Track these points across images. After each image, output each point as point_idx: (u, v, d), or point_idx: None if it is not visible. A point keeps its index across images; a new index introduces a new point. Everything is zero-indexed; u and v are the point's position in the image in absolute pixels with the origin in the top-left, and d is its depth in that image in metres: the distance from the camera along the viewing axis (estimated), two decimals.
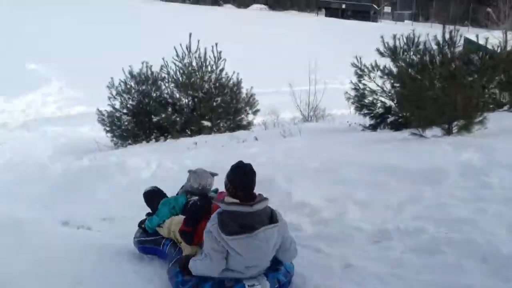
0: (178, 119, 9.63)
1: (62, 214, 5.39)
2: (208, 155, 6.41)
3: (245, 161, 3.03)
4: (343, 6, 55.47)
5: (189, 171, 3.77)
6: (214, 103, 9.81)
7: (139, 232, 3.77)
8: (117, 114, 9.95)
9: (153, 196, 3.93)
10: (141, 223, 3.82)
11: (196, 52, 9.88)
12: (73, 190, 6.57)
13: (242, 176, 2.88)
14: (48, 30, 28.40)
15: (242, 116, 10.44)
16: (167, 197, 3.86)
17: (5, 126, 11.77)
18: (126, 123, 9.97)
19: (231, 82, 10.19)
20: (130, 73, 9.99)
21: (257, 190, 2.92)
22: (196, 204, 3.33)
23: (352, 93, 8.90)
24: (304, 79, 12.40)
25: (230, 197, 2.87)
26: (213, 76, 10.04)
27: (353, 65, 8.81)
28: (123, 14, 41.69)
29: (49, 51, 21.97)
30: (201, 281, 2.84)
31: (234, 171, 2.93)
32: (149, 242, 3.63)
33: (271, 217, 2.86)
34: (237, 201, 2.82)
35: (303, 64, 13.08)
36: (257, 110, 10.45)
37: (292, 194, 4.59)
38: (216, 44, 9.91)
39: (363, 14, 53.06)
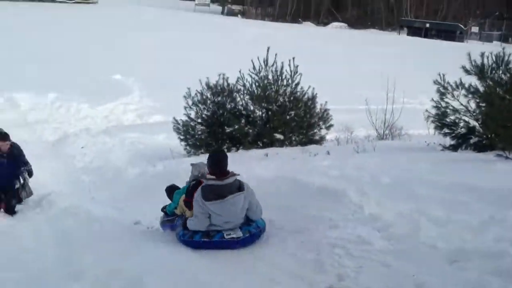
0: (250, 130, 9.62)
1: (135, 215, 5.63)
2: (279, 166, 6.33)
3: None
4: (427, 25, 53.84)
5: (191, 164, 5.16)
6: (288, 117, 9.71)
7: (163, 216, 5.05)
8: (192, 124, 10.13)
9: (171, 190, 5.13)
10: (163, 209, 5.11)
11: (273, 65, 9.88)
12: (145, 193, 6.81)
13: (215, 161, 4.24)
14: (136, 45, 30.12)
15: (315, 130, 10.24)
16: (179, 189, 5.02)
17: (88, 131, 12.41)
18: (199, 133, 10.12)
19: (305, 96, 10.06)
20: (207, 84, 10.16)
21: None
22: (193, 184, 4.55)
23: (433, 111, 8.40)
24: (381, 97, 11.99)
25: (209, 175, 4.20)
26: (288, 89, 9.96)
27: (436, 82, 8.34)
28: (203, 28, 43.32)
29: (133, 63, 23.24)
30: (194, 233, 4.16)
31: (210, 158, 4.37)
32: (168, 221, 4.90)
33: (239, 187, 4.15)
34: (214, 177, 4.12)
35: (381, 83, 12.72)
36: (331, 125, 10.21)
37: (363, 207, 4.47)
38: (293, 59, 9.86)
39: (448, 34, 51.12)
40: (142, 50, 28.17)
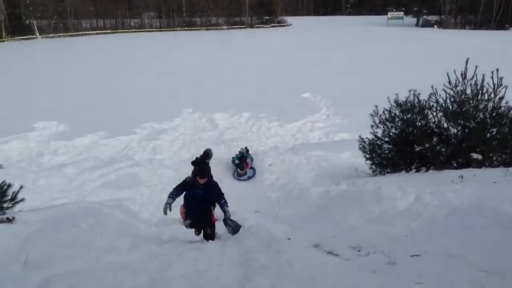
0: (443, 149, 8.76)
1: (315, 236, 5.45)
2: (476, 191, 5.49)
3: None
4: None
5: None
6: (488, 134, 8.55)
7: None
8: (378, 142, 9.71)
9: None
10: None
11: (472, 78, 8.86)
12: (328, 213, 6.65)
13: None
14: (325, 62, 30.78)
15: None
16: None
17: (276, 149, 12.93)
18: (386, 151, 9.64)
19: (511, 112, 8.75)
20: (396, 101, 9.64)
21: None
22: None
23: None
24: None
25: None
26: (490, 104, 8.78)
27: None
28: (395, 42, 42.02)
29: (322, 81, 23.72)
30: None
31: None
32: None
33: None
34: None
35: None
36: None
37: None
38: (497, 70, 8.70)
39: None
40: (331, 68, 28.63)
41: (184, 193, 6.09)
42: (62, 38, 63.01)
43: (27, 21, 64.74)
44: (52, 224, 5.55)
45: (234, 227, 6.15)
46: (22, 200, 6.62)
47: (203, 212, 6.18)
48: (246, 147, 12.64)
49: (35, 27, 63.63)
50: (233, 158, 11.96)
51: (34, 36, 62.07)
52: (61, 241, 4.94)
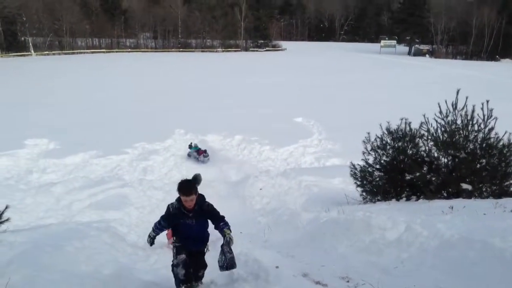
0: (434, 178, 8.78)
1: (303, 265, 5.39)
2: (466, 223, 5.48)
3: None
4: None
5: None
6: (478, 165, 8.59)
7: None
8: (370, 169, 9.72)
9: None
10: None
11: (462, 109, 8.95)
12: (317, 240, 6.59)
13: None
14: (317, 87, 31.06)
15: (511, 181, 8.85)
16: None
17: (268, 173, 12.89)
18: (377, 179, 9.64)
19: (501, 143, 8.81)
20: (387, 129, 9.69)
21: None
22: None
23: None
24: None
25: None
26: (480, 135, 8.85)
27: None
28: (387, 69, 42.59)
29: (314, 106, 23.87)
30: None
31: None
32: None
33: None
34: None
35: None
36: None
37: None
38: (487, 102, 8.80)
39: None
40: (323, 93, 28.87)
41: (173, 225, 5.04)
42: (57, 56, 63.18)
43: (23, 38, 64.93)
44: (37, 246, 5.43)
45: (228, 262, 4.69)
46: (7, 220, 6.47)
47: (197, 251, 5.11)
48: (193, 143, 16.41)
49: (30, 44, 63.82)
50: (190, 150, 15.93)
51: (29, 53, 62.19)
52: (45, 265, 4.82)
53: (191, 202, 4.75)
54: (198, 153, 15.72)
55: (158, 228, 5.04)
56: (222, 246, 4.80)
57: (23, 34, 64.91)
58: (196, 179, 5.55)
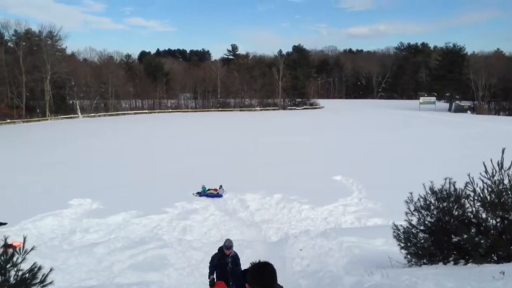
0: (482, 241, 8.37)
1: None
2: None
3: None
4: None
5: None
6: None
7: None
8: (414, 231, 9.39)
9: None
10: None
11: (509, 168, 8.66)
12: None
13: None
14: (356, 145, 30.90)
15: None
16: None
17: (308, 233, 12.62)
18: (422, 241, 9.28)
19: None
20: (431, 189, 9.43)
21: None
22: None
23: None
24: None
25: None
26: None
27: None
28: (427, 126, 41.98)
29: (354, 164, 23.63)
30: None
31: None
32: None
33: None
34: None
35: None
36: None
37: None
38: None
39: None
40: (362, 150, 28.65)
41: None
42: (102, 117, 66.09)
43: (71, 101, 68.58)
44: None
45: None
46: (51, 283, 6.57)
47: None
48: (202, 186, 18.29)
49: (78, 106, 67.26)
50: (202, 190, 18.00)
51: (76, 115, 65.41)
52: None
53: (229, 252, 7.29)
54: (214, 190, 17.81)
55: (210, 268, 7.06)
56: None
57: (71, 98, 68.75)
58: (227, 247, 6.79)
